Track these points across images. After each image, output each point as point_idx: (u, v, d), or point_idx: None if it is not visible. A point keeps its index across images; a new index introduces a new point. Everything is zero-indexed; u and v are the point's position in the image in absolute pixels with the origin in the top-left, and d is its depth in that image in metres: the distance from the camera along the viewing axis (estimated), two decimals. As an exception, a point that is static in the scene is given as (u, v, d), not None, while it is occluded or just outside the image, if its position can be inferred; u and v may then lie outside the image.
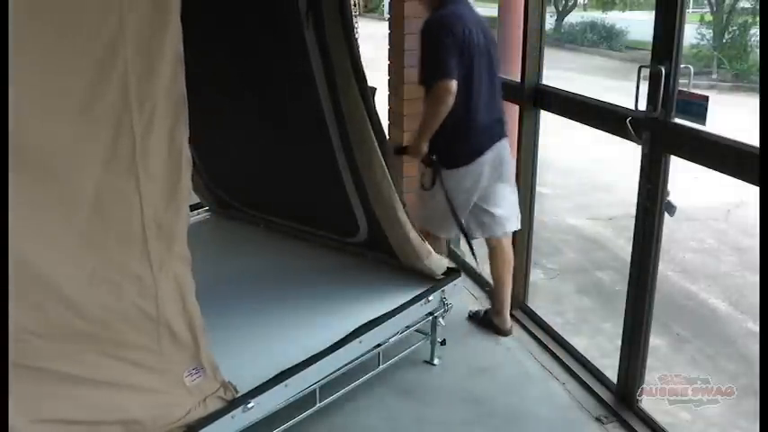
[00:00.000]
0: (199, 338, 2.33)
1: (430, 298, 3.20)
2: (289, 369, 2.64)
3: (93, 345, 2.13)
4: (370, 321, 2.96)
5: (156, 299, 2.21)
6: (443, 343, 3.42)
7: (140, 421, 2.21)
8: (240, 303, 3.12)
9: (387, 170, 3.02)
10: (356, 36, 5.44)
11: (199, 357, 2.35)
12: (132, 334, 2.20)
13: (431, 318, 3.30)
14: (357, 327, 2.92)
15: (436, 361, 3.40)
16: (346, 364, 2.90)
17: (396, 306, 3.09)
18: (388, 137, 4.70)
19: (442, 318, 3.33)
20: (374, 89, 3.01)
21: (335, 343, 2.82)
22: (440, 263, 3.32)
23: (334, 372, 2.85)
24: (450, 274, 3.37)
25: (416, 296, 3.17)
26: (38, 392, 2.03)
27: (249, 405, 2.47)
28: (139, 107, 2.05)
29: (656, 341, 3.51)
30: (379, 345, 3.06)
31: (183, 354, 2.32)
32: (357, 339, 2.88)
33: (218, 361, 2.41)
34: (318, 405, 2.85)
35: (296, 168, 3.53)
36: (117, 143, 2.05)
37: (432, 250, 3.28)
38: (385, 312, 3.03)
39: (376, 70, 5.36)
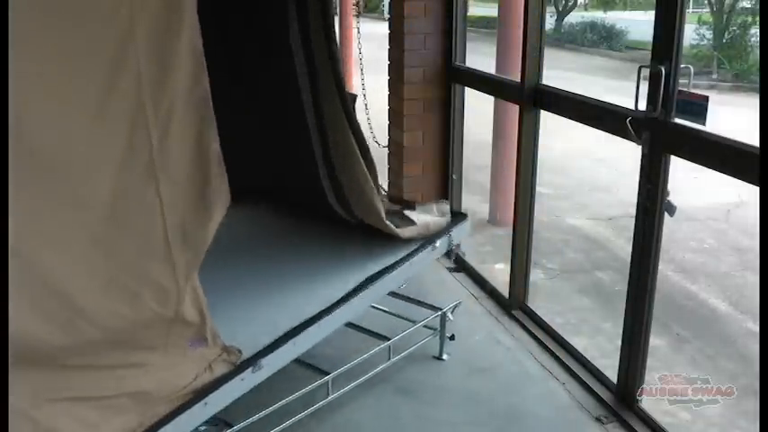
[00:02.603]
0: (206, 316, 2.31)
1: (437, 244, 3.16)
2: (296, 327, 2.62)
3: (104, 343, 2.11)
4: (375, 273, 2.93)
5: (176, 305, 2.18)
6: (452, 338, 3.44)
7: (148, 391, 2.18)
8: (239, 271, 3.06)
9: (367, 172, 2.98)
10: (358, 36, 5.45)
11: (204, 332, 2.33)
12: (143, 332, 2.19)
13: (440, 314, 3.35)
14: (363, 280, 2.89)
15: (445, 356, 3.42)
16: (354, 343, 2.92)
17: (401, 257, 3.07)
18: (388, 136, 4.72)
19: (451, 312, 3.38)
20: (355, 96, 3.04)
21: (342, 297, 2.79)
22: (441, 220, 3.29)
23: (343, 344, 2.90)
24: (457, 217, 3.33)
25: (422, 244, 3.13)
26: (42, 377, 2.01)
27: (260, 365, 2.46)
28: (155, 107, 2.01)
29: (656, 341, 3.51)
30: (387, 338, 3.14)
31: (189, 331, 2.30)
32: (362, 293, 2.87)
33: (227, 328, 2.40)
34: (330, 397, 2.88)
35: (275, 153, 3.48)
36: (132, 144, 2.01)
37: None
38: (391, 263, 3.01)
39: (375, 72, 5.38)
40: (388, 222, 3.08)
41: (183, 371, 2.29)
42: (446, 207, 3.35)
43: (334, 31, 2.90)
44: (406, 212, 3.22)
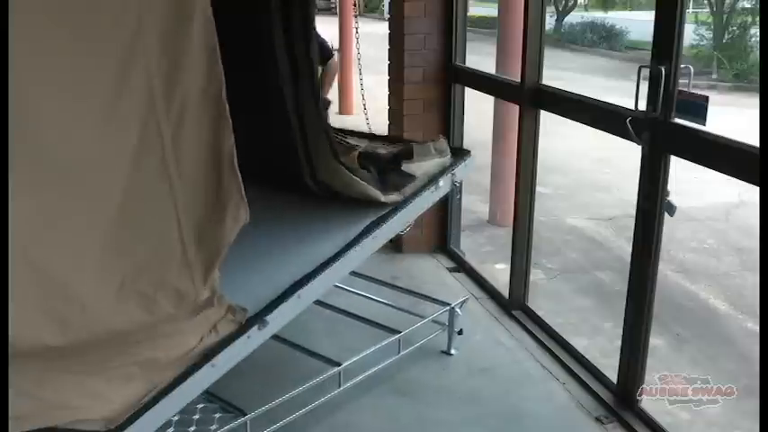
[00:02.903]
0: (216, 290, 2.29)
1: (440, 183, 3.10)
2: (300, 279, 2.58)
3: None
4: (379, 217, 2.89)
5: (194, 304, 2.17)
6: (460, 332, 3.46)
7: (154, 358, 2.15)
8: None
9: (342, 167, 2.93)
10: (356, 35, 5.48)
11: (212, 301, 2.29)
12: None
13: (448, 309, 3.39)
14: (366, 225, 2.84)
15: (453, 351, 3.45)
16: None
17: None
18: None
19: (460, 308, 3.42)
20: (328, 101, 3.03)
21: (347, 244, 2.76)
22: (442, 159, 3.19)
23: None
24: (458, 154, 3.24)
25: (424, 185, 3.07)
26: (46, 359, 1.99)
27: (265, 321, 2.43)
28: (166, 107, 2.01)
29: (656, 341, 3.51)
30: (398, 331, 3.20)
31: (198, 305, 2.27)
32: (371, 236, 2.82)
33: (230, 289, 2.37)
34: (342, 387, 2.91)
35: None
36: (143, 144, 2.00)
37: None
38: (394, 207, 2.96)
39: (376, 73, 5.39)
40: (385, 199, 3.02)
41: (189, 334, 2.24)
42: (444, 144, 3.24)
43: (315, 36, 2.89)
44: (405, 167, 3.13)
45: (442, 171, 3.13)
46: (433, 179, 3.09)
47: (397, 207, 2.96)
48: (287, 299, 2.52)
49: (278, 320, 2.49)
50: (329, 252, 2.72)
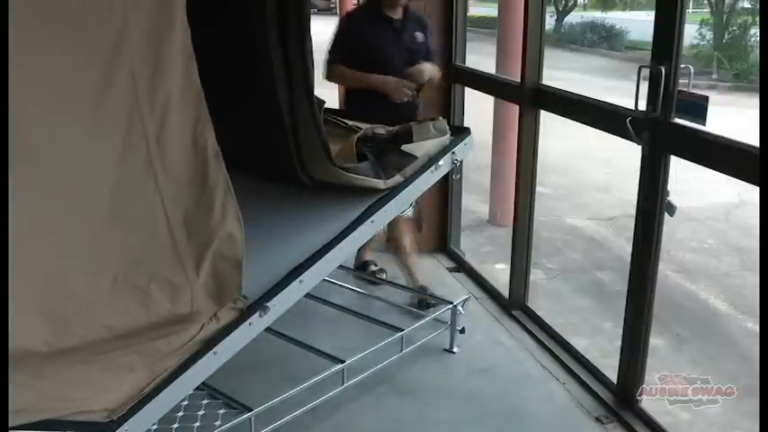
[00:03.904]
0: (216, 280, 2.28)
1: (440, 162, 3.07)
2: (302, 264, 2.54)
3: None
4: (379, 199, 2.86)
5: (191, 300, 2.18)
6: (462, 331, 3.47)
7: (156, 347, 2.14)
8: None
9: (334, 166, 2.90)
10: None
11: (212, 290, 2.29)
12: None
13: (450, 307, 3.42)
14: (366, 207, 2.81)
15: (455, 349, 3.46)
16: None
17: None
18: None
19: (462, 306, 3.44)
20: (322, 102, 3.02)
21: (347, 227, 2.73)
22: (442, 139, 3.15)
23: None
24: (459, 132, 3.22)
25: (424, 165, 3.03)
26: (44, 354, 1.99)
27: (267, 308, 2.39)
28: (150, 105, 2.04)
29: (656, 341, 3.51)
30: (401, 329, 3.22)
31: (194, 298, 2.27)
32: (369, 219, 2.80)
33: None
34: (345, 384, 2.93)
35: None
36: (129, 142, 2.04)
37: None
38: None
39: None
40: (386, 186, 2.97)
41: (189, 322, 2.23)
42: (443, 124, 3.21)
43: (310, 37, 2.88)
44: (404, 148, 3.08)
45: (443, 151, 3.11)
46: (433, 159, 3.06)
47: (396, 188, 2.93)
48: (288, 284, 2.48)
49: (280, 306, 2.45)
50: (329, 238, 2.69)
